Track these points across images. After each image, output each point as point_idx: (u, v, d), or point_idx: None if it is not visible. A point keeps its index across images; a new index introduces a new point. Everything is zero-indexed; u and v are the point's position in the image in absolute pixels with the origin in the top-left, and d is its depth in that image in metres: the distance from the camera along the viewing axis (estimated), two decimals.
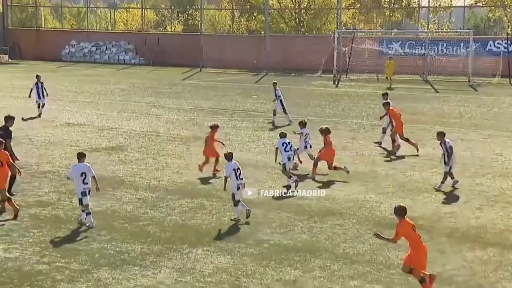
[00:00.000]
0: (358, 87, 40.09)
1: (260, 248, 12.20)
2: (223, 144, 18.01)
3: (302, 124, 18.14)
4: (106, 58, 58.80)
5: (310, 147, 18.01)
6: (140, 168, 18.16)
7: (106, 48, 59.32)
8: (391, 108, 21.34)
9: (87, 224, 13.22)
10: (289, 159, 16.01)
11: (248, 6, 61.22)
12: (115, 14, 70.04)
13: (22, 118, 25.72)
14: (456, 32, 51.71)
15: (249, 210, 13.75)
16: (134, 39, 59.15)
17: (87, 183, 13.20)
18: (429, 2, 53.54)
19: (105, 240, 12.49)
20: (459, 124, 25.95)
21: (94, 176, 13.34)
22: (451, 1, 58.64)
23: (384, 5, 61.41)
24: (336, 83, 42.56)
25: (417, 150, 20.38)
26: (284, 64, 50.48)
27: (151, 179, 17.01)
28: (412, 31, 51.85)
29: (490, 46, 45.62)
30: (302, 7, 56.78)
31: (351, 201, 15.13)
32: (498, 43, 45.62)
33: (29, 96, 28.19)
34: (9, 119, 16.03)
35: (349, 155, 19.95)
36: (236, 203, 13.71)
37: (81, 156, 13.41)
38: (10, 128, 15.84)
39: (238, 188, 13.68)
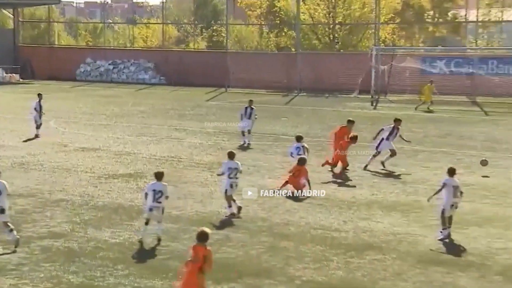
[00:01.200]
0: (399, 109, 39.97)
1: (292, 285, 12.16)
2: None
3: (297, 138, 20.35)
4: (124, 77, 59.54)
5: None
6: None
7: (124, 67, 60.09)
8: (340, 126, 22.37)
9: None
10: (231, 186, 16.38)
11: (278, 21, 61.64)
12: (134, 30, 71.00)
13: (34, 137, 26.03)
14: (508, 49, 51.44)
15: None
16: (154, 56, 59.85)
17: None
18: (477, 16, 53.40)
19: (122, 275, 12.54)
20: None
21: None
22: (502, 14, 58.31)
23: (427, 20, 61.42)
24: (374, 104, 42.52)
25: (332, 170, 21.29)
26: (317, 84, 50.63)
27: (173, 208, 17.07)
28: (459, 48, 51.76)
29: None
30: (337, 22, 57.04)
31: (391, 234, 15.03)
32: None
33: (39, 116, 28.47)
34: None
35: (390, 184, 19.83)
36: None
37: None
38: None
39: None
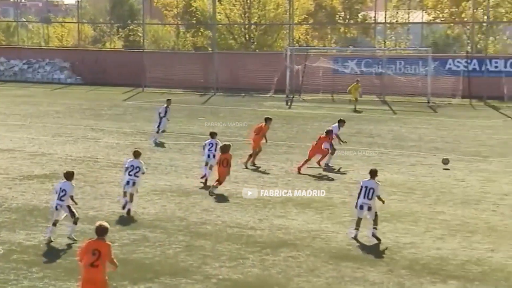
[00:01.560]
0: (313, 108, 40.55)
1: (208, 284, 12.17)
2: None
3: (211, 135, 20.55)
4: (39, 77, 58.09)
5: (214, 156, 19.62)
6: (76, 198, 17.91)
7: (39, 66, 58.62)
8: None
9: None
10: (128, 183, 16.52)
11: (194, 21, 61.45)
12: (49, 29, 69.33)
13: None
14: (414, 50, 52.90)
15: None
16: (70, 56, 58.64)
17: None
18: (385, 18, 54.69)
19: (37, 278, 12.27)
20: (418, 147, 26.46)
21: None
22: (408, 17, 59.90)
23: (338, 21, 62.47)
24: (289, 104, 42.98)
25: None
26: (234, 83, 50.77)
27: (89, 209, 16.81)
28: (369, 49, 52.86)
29: (450, 64, 46.77)
30: (252, 22, 57.33)
31: (305, 231, 15.24)
32: (457, 61, 46.80)
33: None
34: None
35: (304, 182, 20.10)
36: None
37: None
38: None
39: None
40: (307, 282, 12.28)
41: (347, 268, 12.88)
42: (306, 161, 21.75)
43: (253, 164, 22.41)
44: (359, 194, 14.72)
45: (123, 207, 16.65)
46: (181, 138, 28.19)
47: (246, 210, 17.10)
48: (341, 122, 23.75)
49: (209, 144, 20.23)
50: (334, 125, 23.71)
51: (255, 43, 58.17)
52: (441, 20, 59.03)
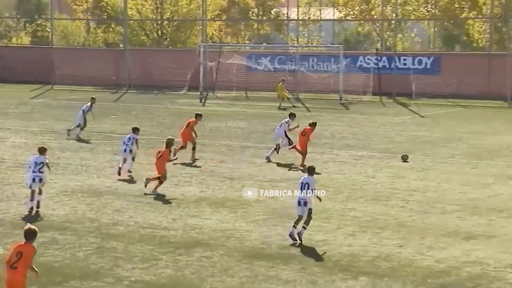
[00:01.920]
0: (227, 105, 40.65)
1: (120, 286, 12.05)
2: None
3: (133, 130, 21.29)
4: None
5: (131, 151, 20.70)
6: None
7: None
8: None
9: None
10: (33, 180, 16.56)
11: (105, 16, 60.46)
12: None
13: None
14: (326, 47, 53.74)
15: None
16: None
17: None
18: (298, 14, 55.21)
19: None
20: (331, 145, 26.95)
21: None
22: (320, 14, 60.83)
23: (251, 17, 62.70)
24: (202, 101, 42.92)
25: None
26: (146, 81, 50.23)
27: None
28: (282, 46, 53.31)
29: (361, 62, 47.70)
30: (165, 18, 56.90)
31: (219, 231, 15.29)
32: (368, 58, 47.77)
33: None
34: None
35: (218, 180, 20.15)
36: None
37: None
38: None
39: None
40: (221, 282, 12.34)
41: (261, 267, 13.01)
42: (303, 156, 22.50)
43: (193, 160, 22.97)
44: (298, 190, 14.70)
45: (30, 211, 16.30)
46: (92, 137, 27.73)
47: (160, 210, 17.02)
48: (292, 116, 24.31)
49: (127, 139, 20.81)
50: (282, 121, 24.25)
51: (168, 39, 57.76)
52: (352, 18, 60.13)
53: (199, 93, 44.86)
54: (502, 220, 15.93)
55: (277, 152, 23.50)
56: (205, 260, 13.38)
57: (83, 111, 27.98)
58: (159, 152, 19.04)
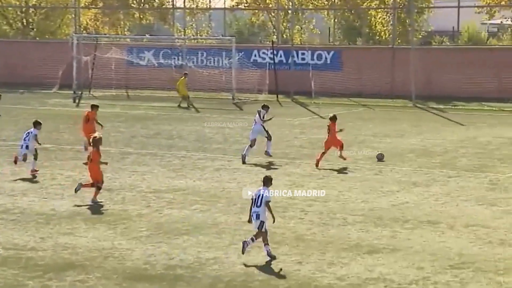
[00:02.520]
0: (105, 106, 40.00)
1: None
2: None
3: (34, 124, 22.22)
4: None
5: (27, 147, 21.91)
6: None
7: None
8: None
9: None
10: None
11: None
12: None
13: None
14: (217, 39, 54.05)
15: None
16: None
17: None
18: (184, 2, 55.12)
19: None
20: (223, 150, 27.13)
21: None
22: (210, 1, 60.99)
23: (132, 5, 62.08)
24: (77, 101, 42.25)
25: None
26: (10, 78, 48.93)
27: None
28: (167, 38, 53.19)
29: (255, 56, 48.29)
30: (30, 5, 55.57)
31: (96, 250, 15.10)
32: (263, 53, 48.40)
33: None
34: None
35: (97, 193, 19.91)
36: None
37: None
38: None
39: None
40: None
41: None
42: (323, 154, 23.86)
43: None
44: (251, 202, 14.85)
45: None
46: None
47: (26, 228, 16.63)
48: (265, 108, 25.38)
49: (25, 134, 21.89)
50: (255, 117, 25.39)
51: (35, 29, 56.50)
52: (245, 6, 60.71)
53: (72, 92, 44.10)
54: (407, 232, 16.52)
55: (251, 147, 24.80)
56: (79, 285, 13.19)
57: None
58: (88, 156, 19.40)
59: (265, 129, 25.11)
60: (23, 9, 56.10)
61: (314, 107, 40.78)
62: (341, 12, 57.01)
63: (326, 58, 47.28)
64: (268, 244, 14.66)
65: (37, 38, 55.59)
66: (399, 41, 50.37)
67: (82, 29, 54.88)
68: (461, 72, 42.96)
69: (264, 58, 48.02)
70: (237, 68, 44.79)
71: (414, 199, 19.65)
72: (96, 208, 18.45)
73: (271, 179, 15.22)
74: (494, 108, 39.94)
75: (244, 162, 24.28)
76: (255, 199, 14.83)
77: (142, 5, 62.32)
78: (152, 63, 48.49)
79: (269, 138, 25.07)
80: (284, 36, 55.74)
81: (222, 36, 53.09)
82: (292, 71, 45.80)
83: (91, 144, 19.39)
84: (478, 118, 34.81)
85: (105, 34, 58.13)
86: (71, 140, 28.44)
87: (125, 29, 60.19)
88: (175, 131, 31.17)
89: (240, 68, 45.34)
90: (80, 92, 44.91)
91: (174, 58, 48.39)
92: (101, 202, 18.89)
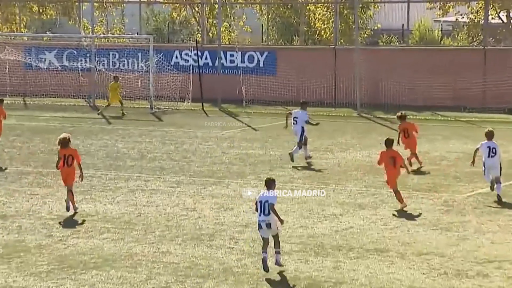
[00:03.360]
0: None
1: None
2: None
3: None
4: None
5: None
6: None
7: None
8: None
9: None
10: None
11: None
12: None
13: None
14: (132, 37, 53.86)
15: None
16: None
17: None
18: None
19: None
20: (139, 168, 27.06)
21: None
22: None
23: None
24: None
25: None
26: None
27: None
28: (73, 36, 52.72)
29: (177, 58, 48.26)
30: None
31: None
32: (186, 54, 48.43)
33: None
34: None
35: None
36: None
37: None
38: None
39: None
40: None
41: None
42: (414, 156, 26.35)
43: None
44: (257, 211, 16.05)
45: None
46: None
47: None
48: (304, 104, 28.55)
49: None
50: (299, 112, 28.29)
51: None
52: (164, 0, 60.73)
53: None
54: (351, 262, 16.75)
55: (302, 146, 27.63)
56: None
57: None
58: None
59: (303, 131, 27.77)
60: None
61: (245, 117, 40.98)
62: (276, 7, 57.43)
63: (258, 60, 47.56)
64: (279, 252, 16.11)
65: None
66: (341, 40, 51.04)
67: None
68: (411, 77, 43.70)
69: (187, 60, 48.03)
70: (156, 72, 44.71)
71: (360, 223, 19.93)
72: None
73: (274, 180, 16.50)
74: (448, 118, 40.72)
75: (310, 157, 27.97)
76: (261, 206, 16.02)
77: None
78: (55, 66, 47.96)
79: (300, 144, 27.71)
80: (210, 34, 55.92)
81: (138, 34, 52.93)
82: (219, 76, 45.89)
83: (63, 146, 20.60)
84: (430, 130, 35.42)
85: None
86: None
87: (22, 26, 59.42)
88: (83, 146, 30.90)
89: (159, 72, 45.27)
90: None
91: (81, 60, 47.99)
92: None
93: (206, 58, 48.24)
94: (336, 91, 45.45)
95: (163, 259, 16.97)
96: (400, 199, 21.20)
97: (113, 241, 18.28)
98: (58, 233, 18.84)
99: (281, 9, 58.27)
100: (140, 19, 56.11)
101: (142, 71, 46.44)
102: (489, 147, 22.01)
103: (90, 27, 53.70)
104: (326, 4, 53.96)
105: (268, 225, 15.98)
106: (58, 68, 47.63)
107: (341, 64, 45.64)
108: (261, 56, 47.59)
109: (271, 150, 30.68)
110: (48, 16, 61.48)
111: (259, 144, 32.13)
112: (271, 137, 33.89)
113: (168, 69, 46.06)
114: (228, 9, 56.82)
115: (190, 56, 47.96)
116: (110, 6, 59.88)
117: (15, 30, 57.43)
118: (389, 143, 21.56)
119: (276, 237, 16.17)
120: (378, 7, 57.74)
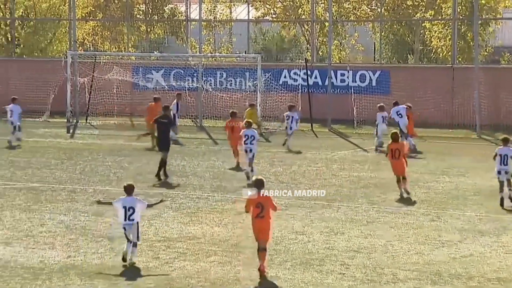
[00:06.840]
0: (104, 137, 40.42)
1: None
2: None
3: None
4: None
5: None
6: None
7: None
8: None
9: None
10: None
11: None
12: None
13: None
14: (239, 57, 54.30)
15: None
16: None
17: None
18: (200, 13, 55.20)
19: None
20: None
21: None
22: (231, 12, 61.29)
23: (138, 16, 62.45)
24: (71, 131, 42.55)
25: None
26: None
27: None
28: (180, 55, 53.45)
29: (285, 77, 48.44)
30: (16, 16, 56.25)
31: None
32: (295, 73, 48.53)
33: None
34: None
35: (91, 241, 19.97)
36: None
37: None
38: None
39: None
40: None
41: None
42: None
43: None
44: None
45: None
46: None
47: (9, 285, 16.67)
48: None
49: None
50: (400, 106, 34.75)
51: (21, 45, 57.16)
52: (273, 18, 60.99)
53: (66, 120, 44.45)
54: None
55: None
56: None
57: None
58: None
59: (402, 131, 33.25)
60: (8, 22, 56.78)
61: (356, 138, 40.74)
62: (389, 24, 57.13)
63: (371, 79, 47.37)
64: None
65: (24, 56, 56.20)
66: (459, 59, 50.34)
67: (78, 45, 55.43)
68: None
69: (296, 80, 48.16)
70: (264, 91, 44.88)
71: (480, 251, 19.52)
72: (92, 259, 18.51)
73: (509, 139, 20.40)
74: None
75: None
76: (502, 159, 21.93)
77: (149, 16, 62.70)
78: (162, 86, 48.58)
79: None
80: (320, 53, 55.95)
81: (246, 53, 53.34)
82: (329, 95, 45.87)
83: None
84: None
85: (105, 51, 58.69)
86: (64, 179, 28.61)
87: (130, 45, 60.69)
88: (189, 167, 31.26)
89: (267, 91, 45.44)
90: (75, 121, 45.21)
91: (188, 80, 48.55)
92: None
93: (315, 77, 48.30)
94: (453, 112, 44.80)
95: (271, 285, 16.94)
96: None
97: (220, 264, 18.33)
98: (164, 255, 19.01)
99: (395, 26, 57.89)
100: (248, 38, 56.62)
101: (249, 91, 46.64)
102: None
103: (198, 47, 54.36)
104: (443, 21, 53.30)
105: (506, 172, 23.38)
106: (164, 87, 48.16)
107: (459, 83, 45.04)
108: (374, 75, 47.39)
109: (383, 173, 30.36)
110: (156, 36, 62.56)
111: (371, 167, 31.87)
112: (384, 159, 33.53)
113: (276, 88, 46.19)
114: (339, 27, 56.71)
115: (299, 75, 48.01)
116: (218, 25, 60.57)
117: (123, 49, 58.68)
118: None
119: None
120: (499, 23, 56.74)
